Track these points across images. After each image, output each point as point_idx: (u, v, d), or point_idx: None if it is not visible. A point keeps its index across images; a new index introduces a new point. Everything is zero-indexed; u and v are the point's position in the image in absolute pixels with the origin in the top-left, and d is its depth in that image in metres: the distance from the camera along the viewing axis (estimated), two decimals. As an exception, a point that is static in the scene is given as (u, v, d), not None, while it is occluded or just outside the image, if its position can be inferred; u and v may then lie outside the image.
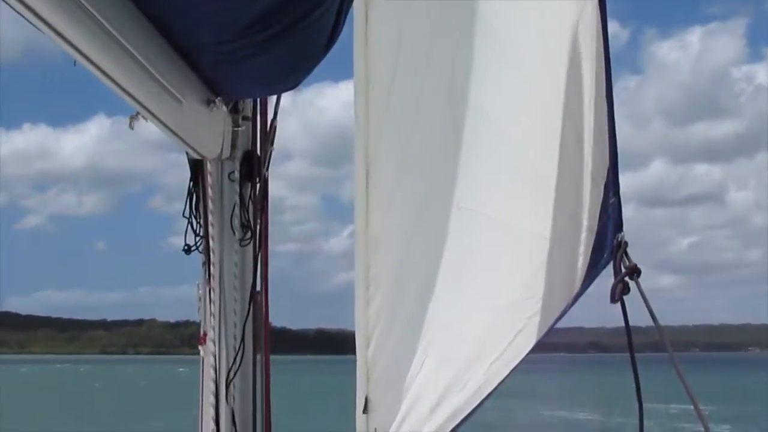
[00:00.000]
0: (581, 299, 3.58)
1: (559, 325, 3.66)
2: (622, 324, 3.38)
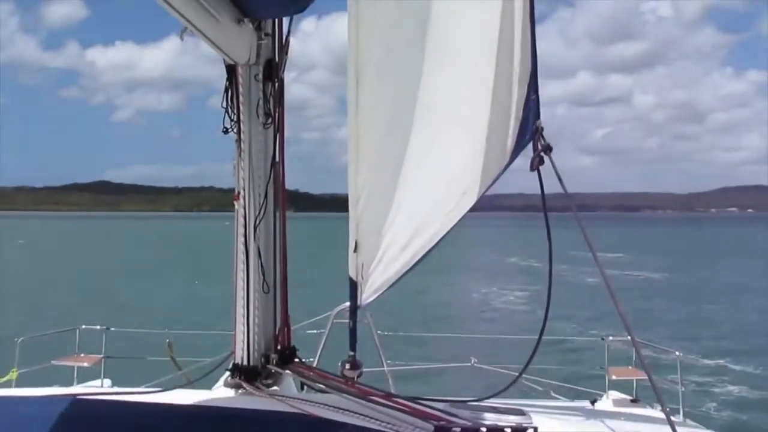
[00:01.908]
0: (522, 173, 3.60)
1: (505, 191, 3.71)
2: (554, 191, 3.41)
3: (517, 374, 4.18)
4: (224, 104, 4.26)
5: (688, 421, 5.41)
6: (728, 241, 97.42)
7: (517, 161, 3.64)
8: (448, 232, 3.91)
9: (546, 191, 3.37)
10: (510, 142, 3.58)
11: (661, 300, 33.05)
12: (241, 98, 4.19)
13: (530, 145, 3.44)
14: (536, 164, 3.31)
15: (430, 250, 3.98)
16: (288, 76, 4.48)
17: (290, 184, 4.65)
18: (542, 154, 3.30)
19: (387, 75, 4.00)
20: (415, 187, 3.98)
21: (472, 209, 3.82)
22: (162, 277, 43.60)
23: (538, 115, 3.42)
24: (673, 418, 2.95)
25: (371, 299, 4.24)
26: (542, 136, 3.34)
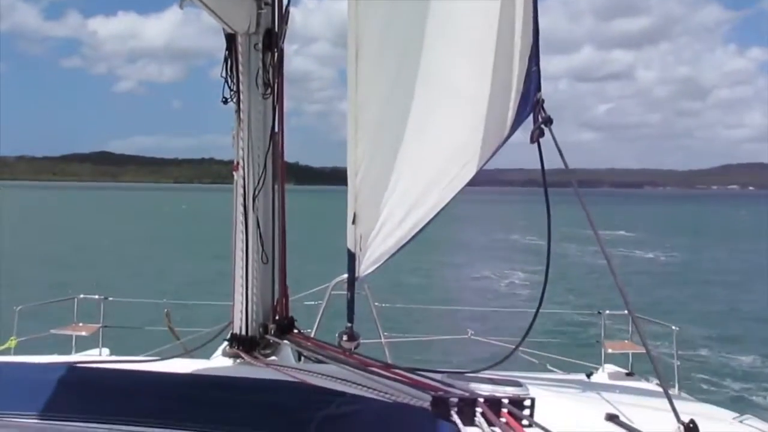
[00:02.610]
0: (522, 148, 3.57)
1: (505, 166, 3.68)
2: (554, 166, 3.39)
3: (513, 347, 4.20)
4: (224, 74, 4.24)
5: (683, 394, 5.44)
6: (736, 220, 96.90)
7: (518, 135, 3.61)
8: (447, 205, 3.90)
9: (546, 166, 3.33)
10: (510, 114, 3.55)
11: (674, 283, 31.05)
12: (240, 68, 4.18)
13: (530, 118, 3.40)
14: (536, 136, 3.28)
15: (428, 223, 3.97)
16: (290, 48, 4.47)
17: (291, 156, 4.64)
18: (542, 126, 3.27)
19: (387, 48, 3.96)
20: (414, 160, 3.96)
21: (471, 183, 3.80)
22: (161, 247, 43.64)
23: (539, 88, 3.37)
24: (669, 391, 2.97)
25: (369, 271, 4.24)
26: (543, 109, 3.31)
